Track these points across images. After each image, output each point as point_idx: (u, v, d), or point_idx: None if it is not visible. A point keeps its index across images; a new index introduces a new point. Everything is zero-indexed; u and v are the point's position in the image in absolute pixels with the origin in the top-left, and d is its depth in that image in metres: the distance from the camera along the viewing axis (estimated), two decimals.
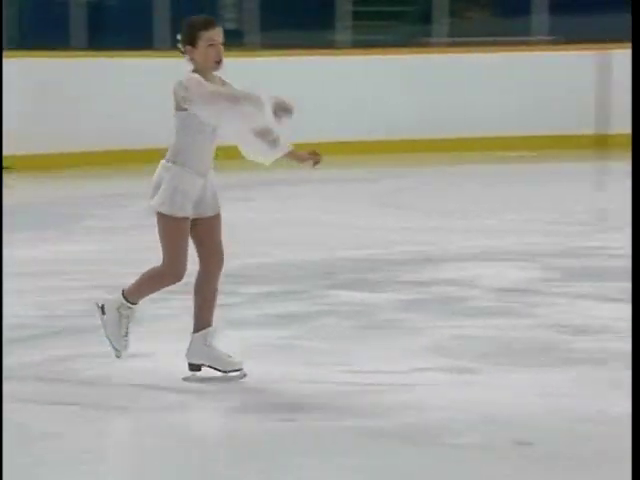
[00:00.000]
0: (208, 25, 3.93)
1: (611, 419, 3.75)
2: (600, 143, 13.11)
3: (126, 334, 4.08)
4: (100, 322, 4.12)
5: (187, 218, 3.96)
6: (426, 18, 13.51)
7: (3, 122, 10.77)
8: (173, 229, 3.94)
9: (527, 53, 13.20)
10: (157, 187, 3.95)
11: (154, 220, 4.02)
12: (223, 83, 3.98)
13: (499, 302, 5.65)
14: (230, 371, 4.07)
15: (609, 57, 12.96)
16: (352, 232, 7.79)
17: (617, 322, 4.98)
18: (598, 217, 9.42)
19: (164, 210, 3.92)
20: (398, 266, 6.51)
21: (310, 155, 4.01)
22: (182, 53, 3.95)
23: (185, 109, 3.87)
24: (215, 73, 3.96)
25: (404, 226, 8.15)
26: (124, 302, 4.06)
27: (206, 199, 3.98)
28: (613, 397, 3.96)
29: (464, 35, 13.46)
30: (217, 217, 4.03)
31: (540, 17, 13.38)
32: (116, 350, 4.10)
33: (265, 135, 3.89)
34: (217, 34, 3.92)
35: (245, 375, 4.10)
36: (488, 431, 3.66)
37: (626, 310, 4.20)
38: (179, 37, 3.96)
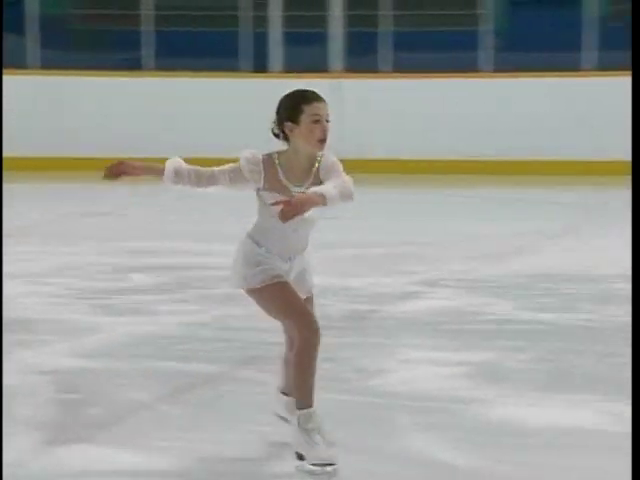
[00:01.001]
0: (313, 98, 3.42)
1: None
2: None
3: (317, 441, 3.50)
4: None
5: (281, 276, 3.48)
6: None
7: None
8: (279, 291, 3.46)
9: None
10: (233, 265, 3.52)
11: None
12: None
13: None
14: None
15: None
16: None
17: None
18: None
19: (256, 284, 3.46)
20: None
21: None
22: (276, 135, 3.46)
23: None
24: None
25: None
26: (303, 413, 3.52)
27: (303, 277, 3.56)
28: None
29: None
30: (309, 300, 3.57)
31: None
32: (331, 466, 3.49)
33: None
34: (322, 108, 3.40)
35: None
36: None
37: None
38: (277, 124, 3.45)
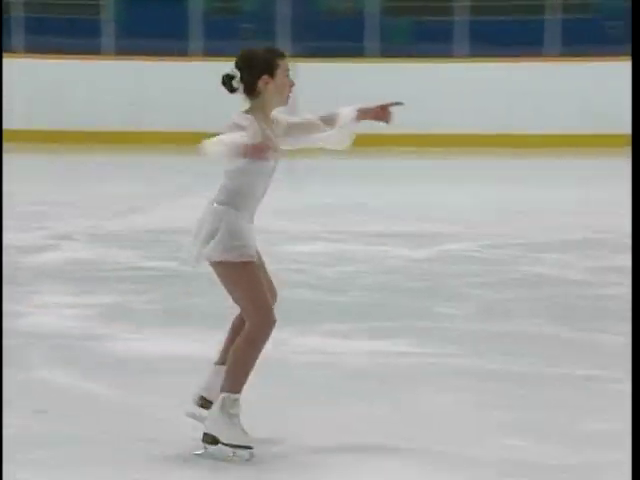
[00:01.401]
0: (284, 54, 3.51)
1: None
2: None
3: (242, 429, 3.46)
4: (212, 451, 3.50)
5: (255, 256, 3.47)
6: None
7: None
8: (249, 274, 3.42)
9: None
10: (211, 234, 3.42)
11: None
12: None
13: None
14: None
15: None
16: None
17: None
18: None
19: (232, 258, 3.39)
20: None
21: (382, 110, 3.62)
22: (234, 89, 3.47)
23: None
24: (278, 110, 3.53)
25: None
26: (231, 397, 3.45)
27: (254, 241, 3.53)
28: None
29: None
30: (260, 257, 3.58)
31: None
32: (247, 450, 3.48)
33: (332, 124, 3.59)
34: (288, 64, 3.49)
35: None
36: None
37: None
38: (240, 69, 3.46)
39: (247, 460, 3.50)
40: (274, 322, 3.47)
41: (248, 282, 3.43)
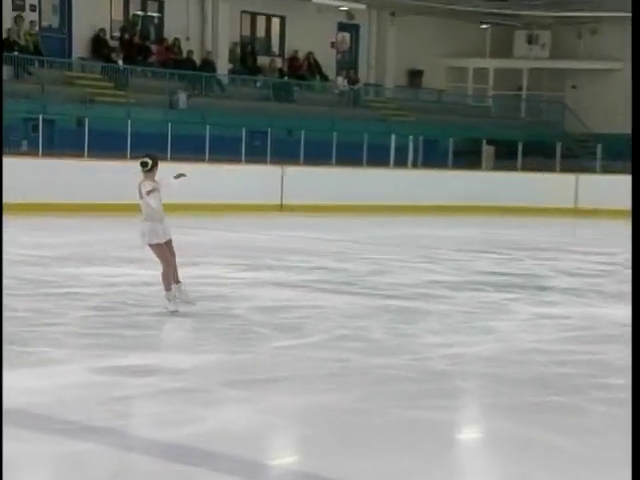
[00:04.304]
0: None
1: None
2: None
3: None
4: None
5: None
6: None
7: None
8: (161, 248, 8.17)
9: None
10: (143, 234, 8.16)
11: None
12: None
13: None
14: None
15: None
16: None
17: None
18: None
19: (155, 241, 8.16)
20: None
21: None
22: (148, 170, 8.20)
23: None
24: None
25: None
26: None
27: (167, 231, 8.22)
28: None
29: None
30: (170, 240, 8.22)
31: None
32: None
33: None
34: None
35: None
36: None
37: None
38: (150, 161, 8.21)
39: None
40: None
41: (161, 250, 8.15)
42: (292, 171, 22.90)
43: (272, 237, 16.36)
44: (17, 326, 7.22)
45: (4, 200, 18.79)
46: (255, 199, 21.99)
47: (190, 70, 26.03)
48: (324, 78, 29.30)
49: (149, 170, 8.13)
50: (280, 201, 22.75)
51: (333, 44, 30.68)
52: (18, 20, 24.05)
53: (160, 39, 27.18)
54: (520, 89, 32.51)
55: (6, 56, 22.90)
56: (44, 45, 24.47)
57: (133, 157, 20.79)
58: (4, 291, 8.82)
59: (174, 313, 7.98)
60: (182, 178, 8.34)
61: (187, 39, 27.47)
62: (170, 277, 8.15)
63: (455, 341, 7.20)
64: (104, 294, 8.97)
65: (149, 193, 8.02)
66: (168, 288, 8.14)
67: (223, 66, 27.75)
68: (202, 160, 22.06)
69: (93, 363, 5.98)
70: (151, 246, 8.17)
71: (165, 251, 8.16)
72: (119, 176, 18.35)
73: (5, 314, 7.69)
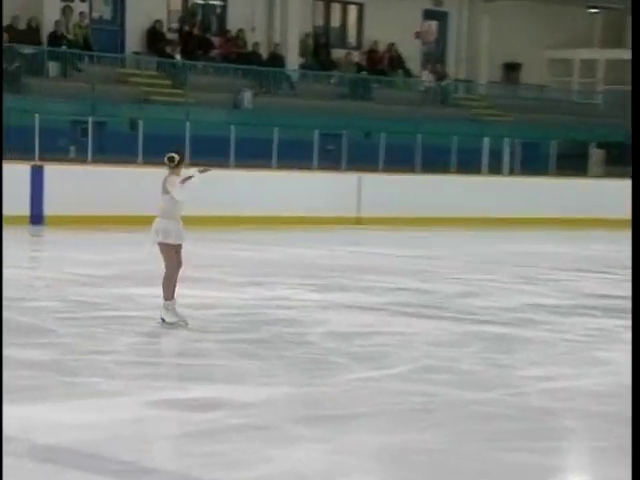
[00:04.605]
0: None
1: None
2: None
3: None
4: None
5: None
6: None
7: None
8: (171, 249, 8.69)
9: None
10: (157, 231, 8.68)
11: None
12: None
13: None
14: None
15: None
16: None
17: None
18: None
19: (168, 241, 8.69)
20: None
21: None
22: (175, 166, 8.71)
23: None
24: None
25: None
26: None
27: (181, 235, 8.75)
28: None
29: None
30: (181, 246, 8.77)
31: None
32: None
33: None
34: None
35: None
36: None
37: None
38: (177, 156, 8.73)
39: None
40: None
41: (171, 253, 8.71)
42: (370, 179, 22.93)
43: (348, 254, 16.39)
44: (64, 353, 7.36)
45: (46, 213, 19.23)
46: (328, 211, 22.06)
47: (256, 65, 26.29)
48: (407, 73, 29.32)
49: (175, 166, 8.64)
50: (356, 213, 22.79)
51: (418, 34, 30.69)
52: (66, 11, 24.55)
53: (223, 31, 27.54)
54: None
55: (53, 52, 23.41)
56: (95, 39, 24.96)
57: (193, 164, 21.08)
58: (49, 314, 9.00)
59: (172, 325, 8.42)
60: (206, 173, 8.87)
61: (253, 30, 27.78)
62: (173, 284, 8.56)
63: (559, 374, 7.13)
64: (159, 318, 9.09)
65: (184, 181, 8.58)
66: (169, 297, 8.55)
67: (293, 60, 27.97)
68: (268, 167, 22.26)
69: (148, 396, 6.06)
70: (161, 245, 8.63)
71: (174, 254, 8.61)
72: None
73: (51, 340, 7.84)
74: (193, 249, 14.86)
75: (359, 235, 20.44)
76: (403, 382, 6.77)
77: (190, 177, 8.70)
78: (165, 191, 8.63)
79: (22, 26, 23.72)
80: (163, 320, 8.58)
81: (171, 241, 8.65)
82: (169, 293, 8.61)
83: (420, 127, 25.11)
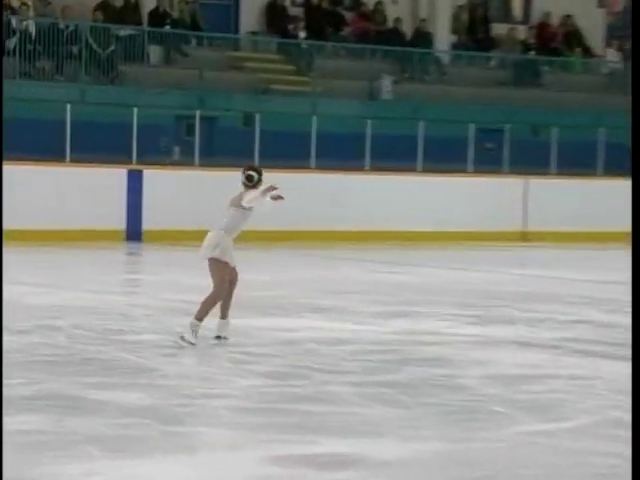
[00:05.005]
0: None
1: None
2: None
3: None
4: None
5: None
6: None
7: None
8: (225, 269, 9.47)
9: None
10: (217, 245, 9.48)
11: None
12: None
13: None
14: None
15: None
16: None
17: None
18: None
19: (224, 259, 9.48)
20: None
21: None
22: (253, 186, 9.54)
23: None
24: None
25: None
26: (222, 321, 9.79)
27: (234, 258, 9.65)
28: None
29: None
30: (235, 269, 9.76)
31: None
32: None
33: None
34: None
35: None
36: None
37: None
38: (256, 175, 9.59)
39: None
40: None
41: (224, 270, 9.52)
42: (539, 185, 22.73)
43: (512, 278, 16.28)
44: (167, 397, 7.50)
45: (145, 227, 19.59)
46: (487, 225, 21.97)
47: (397, 46, 26.31)
48: (587, 52, 28.98)
49: (253, 186, 9.50)
50: (522, 227, 22.61)
51: (601, 3, 30.29)
52: None
53: (357, 4, 27.69)
54: None
55: (154, 33, 23.82)
56: (203, 17, 25.36)
57: (319, 167, 21.28)
58: (150, 350, 9.20)
59: (192, 346, 9.18)
60: (278, 201, 9.63)
61: (394, 3, 27.87)
62: (210, 308, 9.39)
63: None
64: (282, 355, 9.19)
65: (265, 192, 9.39)
66: (201, 318, 9.32)
67: (443, 39, 27.95)
68: (412, 171, 22.29)
69: (270, 450, 6.13)
70: (215, 261, 9.38)
71: (226, 275, 9.39)
72: (304, 194, 18.68)
73: (153, 381, 8.01)
74: (320, 271, 15.01)
75: (526, 254, 20.30)
76: (582, 439, 6.70)
77: (272, 189, 9.45)
78: (236, 205, 9.46)
79: (118, 3, 24.28)
80: (183, 338, 9.27)
81: (228, 259, 9.43)
82: (203, 314, 9.35)
83: (602, 120, 24.77)
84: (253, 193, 9.42)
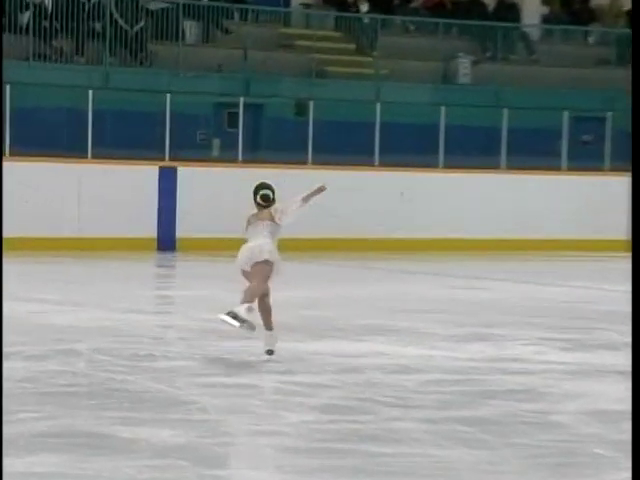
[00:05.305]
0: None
1: None
2: None
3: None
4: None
5: None
6: None
7: None
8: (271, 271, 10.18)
9: None
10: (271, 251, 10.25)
11: None
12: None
13: None
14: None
15: None
16: None
17: None
18: None
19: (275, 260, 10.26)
20: None
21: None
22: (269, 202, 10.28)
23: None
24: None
25: None
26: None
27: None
28: None
29: None
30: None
31: None
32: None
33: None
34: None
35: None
36: None
37: None
38: (272, 194, 10.26)
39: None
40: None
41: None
42: None
43: (614, 295, 16.19)
44: (205, 435, 7.51)
45: (179, 234, 19.66)
46: (586, 232, 21.88)
47: (477, 20, 26.30)
48: None
49: (268, 205, 10.32)
50: (628, 234, 22.48)
51: None
52: None
53: None
54: None
55: (190, 7, 23.86)
56: None
57: (383, 164, 21.27)
58: (184, 378, 9.22)
59: (242, 326, 9.76)
60: (312, 199, 10.16)
61: None
62: (257, 293, 10.03)
63: None
64: (340, 385, 9.18)
65: (307, 199, 10.08)
66: (251, 300, 9.92)
67: (532, 12, 27.91)
68: (494, 167, 22.24)
69: None
70: (265, 263, 10.07)
71: (270, 276, 10.18)
72: (365, 195, 18.58)
73: (188, 416, 8.03)
74: (384, 286, 15.02)
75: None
76: None
77: (320, 191, 10.03)
78: (270, 219, 10.24)
79: None
80: (239, 315, 9.78)
81: (275, 260, 10.11)
82: (250, 298, 9.91)
83: None
84: (293, 204, 10.17)
